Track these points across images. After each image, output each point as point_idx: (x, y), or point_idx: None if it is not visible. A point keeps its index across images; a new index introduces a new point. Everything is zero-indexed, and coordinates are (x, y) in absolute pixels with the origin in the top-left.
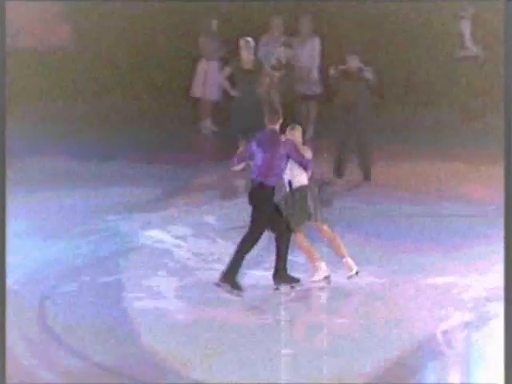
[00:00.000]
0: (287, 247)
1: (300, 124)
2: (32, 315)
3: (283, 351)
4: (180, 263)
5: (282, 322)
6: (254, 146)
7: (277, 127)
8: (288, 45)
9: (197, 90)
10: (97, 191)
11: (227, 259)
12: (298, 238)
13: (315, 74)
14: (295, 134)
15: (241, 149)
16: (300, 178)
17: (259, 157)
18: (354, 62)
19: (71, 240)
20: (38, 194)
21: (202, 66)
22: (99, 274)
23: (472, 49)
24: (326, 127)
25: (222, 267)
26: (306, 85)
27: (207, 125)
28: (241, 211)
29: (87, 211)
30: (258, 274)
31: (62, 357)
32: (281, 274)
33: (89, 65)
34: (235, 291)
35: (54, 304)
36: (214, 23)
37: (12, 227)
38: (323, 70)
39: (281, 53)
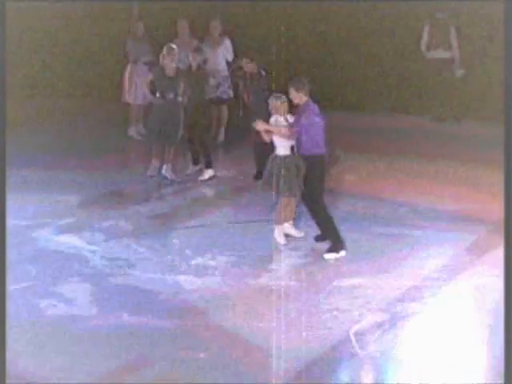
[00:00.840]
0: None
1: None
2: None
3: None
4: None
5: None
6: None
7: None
8: (199, 49)
9: (125, 95)
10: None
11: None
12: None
13: (227, 78)
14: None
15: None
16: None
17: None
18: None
19: None
20: None
21: (129, 70)
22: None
23: (442, 52)
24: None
25: (136, 272)
26: (219, 88)
27: (137, 129)
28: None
29: None
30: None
31: None
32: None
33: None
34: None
35: None
36: (141, 26)
37: None
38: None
39: (194, 56)
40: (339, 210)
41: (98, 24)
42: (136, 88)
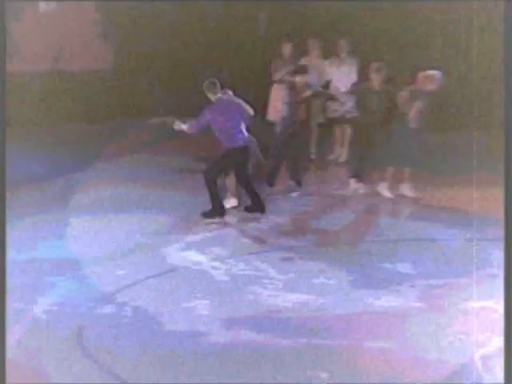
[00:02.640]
0: None
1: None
2: (70, 338)
3: (322, 375)
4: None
5: None
6: None
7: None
8: (324, 68)
9: (270, 114)
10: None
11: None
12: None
13: (351, 97)
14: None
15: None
16: None
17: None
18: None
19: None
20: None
21: (274, 89)
22: (136, 296)
23: None
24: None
25: (258, 289)
26: (343, 107)
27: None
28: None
29: (123, 233)
30: None
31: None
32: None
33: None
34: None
35: (92, 327)
36: (288, 47)
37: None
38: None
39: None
40: None
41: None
42: (280, 108)
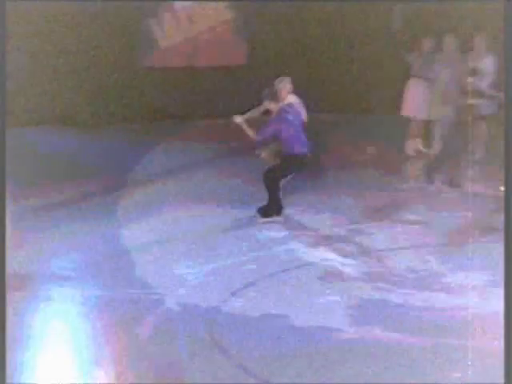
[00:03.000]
0: None
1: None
2: (201, 329)
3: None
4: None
5: None
6: None
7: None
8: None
9: (405, 109)
10: None
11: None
12: None
13: (493, 93)
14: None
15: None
16: None
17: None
18: None
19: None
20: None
21: (411, 84)
22: (264, 290)
23: None
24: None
25: (390, 287)
26: (485, 104)
27: (414, 145)
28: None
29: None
30: None
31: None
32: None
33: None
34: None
35: (223, 319)
36: (429, 42)
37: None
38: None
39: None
40: None
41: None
42: (417, 103)
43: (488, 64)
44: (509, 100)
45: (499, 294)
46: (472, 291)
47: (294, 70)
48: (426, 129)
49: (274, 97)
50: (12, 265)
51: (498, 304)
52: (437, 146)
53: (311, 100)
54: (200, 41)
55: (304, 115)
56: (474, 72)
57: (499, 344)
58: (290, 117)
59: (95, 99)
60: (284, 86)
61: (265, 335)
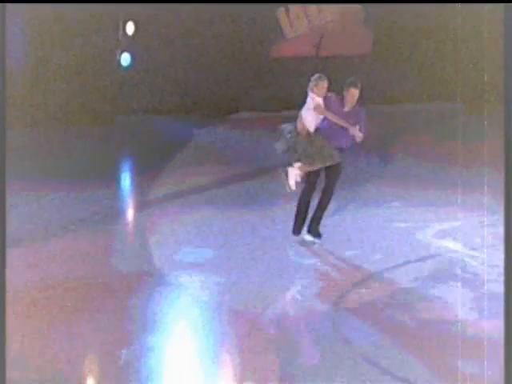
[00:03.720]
0: None
1: None
2: (326, 320)
3: None
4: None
5: None
6: None
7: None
8: None
9: None
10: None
11: None
12: None
13: None
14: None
15: None
16: None
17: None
18: None
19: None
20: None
21: None
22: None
23: None
24: None
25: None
26: None
27: None
28: None
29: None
30: None
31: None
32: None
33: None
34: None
35: (349, 309)
36: None
37: None
38: None
39: None
40: None
41: None
42: None
43: None
44: (509, 100)
45: None
46: None
47: (414, 60)
48: None
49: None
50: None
51: None
52: None
53: (431, 90)
54: (327, 30)
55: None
56: None
57: None
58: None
59: (221, 89)
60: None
61: (389, 324)
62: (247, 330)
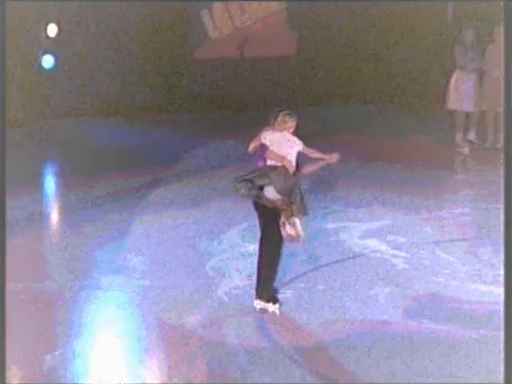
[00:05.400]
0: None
1: None
2: (252, 317)
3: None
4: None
5: None
6: None
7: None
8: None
9: (450, 102)
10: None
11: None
12: None
13: None
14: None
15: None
16: None
17: None
18: None
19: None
20: None
21: (456, 77)
22: (316, 281)
23: None
24: None
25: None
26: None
27: (463, 137)
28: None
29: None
30: None
31: (277, 359)
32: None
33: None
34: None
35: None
36: (470, 33)
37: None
38: None
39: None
40: None
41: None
42: (462, 95)
43: None
44: (509, 100)
45: None
46: None
47: (340, 63)
48: (480, 121)
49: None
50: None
51: None
52: (490, 138)
53: (354, 92)
54: (251, 32)
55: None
56: None
57: None
58: None
59: (146, 90)
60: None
61: (317, 324)
62: (173, 335)
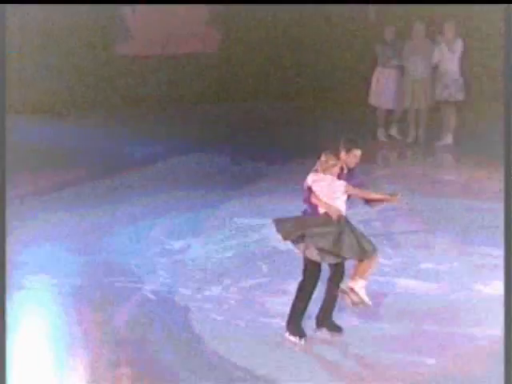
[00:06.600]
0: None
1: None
2: (178, 315)
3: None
4: None
5: None
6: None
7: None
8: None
9: (372, 98)
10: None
11: None
12: None
13: (460, 80)
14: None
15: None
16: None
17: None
18: None
19: (215, 244)
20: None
21: (377, 73)
22: (242, 277)
23: None
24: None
25: None
26: (449, 90)
27: (386, 132)
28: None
29: (230, 217)
30: None
31: (203, 357)
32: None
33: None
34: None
35: (199, 307)
36: (392, 30)
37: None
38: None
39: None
40: None
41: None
42: (383, 92)
43: (456, 49)
44: (509, 100)
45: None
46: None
47: (262, 60)
48: (401, 116)
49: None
50: None
51: (465, 291)
52: (412, 134)
53: (276, 89)
54: (174, 29)
55: None
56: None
57: (472, 330)
58: None
59: (70, 87)
60: None
61: (240, 320)
62: (99, 333)
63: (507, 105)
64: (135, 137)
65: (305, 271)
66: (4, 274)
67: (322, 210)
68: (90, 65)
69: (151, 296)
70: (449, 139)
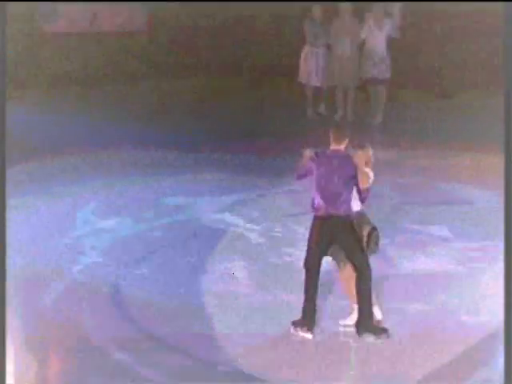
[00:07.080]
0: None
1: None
2: (107, 295)
3: None
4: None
5: None
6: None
7: (343, 147)
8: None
9: (301, 76)
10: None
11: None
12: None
13: (387, 58)
14: (362, 157)
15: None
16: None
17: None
18: None
19: (144, 223)
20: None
21: (306, 51)
22: (172, 257)
23: None
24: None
25: (293, 251)
26: (377, 68)
27: (314, 110)
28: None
29: (158, 197)
30: None
31: (133, 336)
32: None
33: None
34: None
35: (128, 285)
36: (318, 8)
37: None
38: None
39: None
40: None
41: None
42: (312, 70)
43: (384, 28)
44: (509, 99)
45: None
46: None
47: (193, 39)
48: (330, 94)
49: None
50: None
51: (394, 267)
52: (340, 112)
53: (210, 65)
54: (102, 7)
55: None
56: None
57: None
58: None
59: None
60: None
61: (169, 298)
62: (25, 314)
63: (507, 100)
64: (64, 117)
65: None
66: (4, 273)
67: None
68: (16, 43)
69: (80, 276)
70: (379, 118)
